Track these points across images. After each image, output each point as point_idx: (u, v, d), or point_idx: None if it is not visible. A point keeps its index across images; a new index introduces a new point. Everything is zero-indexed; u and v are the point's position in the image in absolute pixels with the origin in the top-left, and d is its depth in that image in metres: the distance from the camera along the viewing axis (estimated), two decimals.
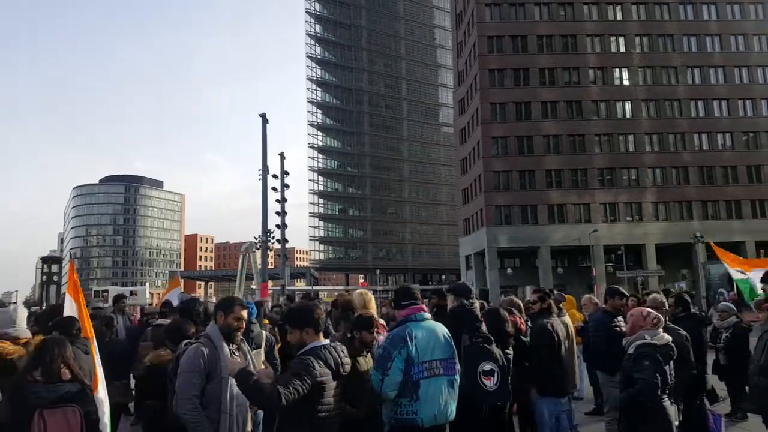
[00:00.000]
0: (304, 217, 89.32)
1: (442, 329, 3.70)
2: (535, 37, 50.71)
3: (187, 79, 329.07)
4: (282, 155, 32.54)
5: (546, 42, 50.80)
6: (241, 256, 68.82)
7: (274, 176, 30.89)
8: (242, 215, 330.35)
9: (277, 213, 32.46)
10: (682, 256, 48.46)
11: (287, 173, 32.78)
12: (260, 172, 28.32)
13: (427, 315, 3.71)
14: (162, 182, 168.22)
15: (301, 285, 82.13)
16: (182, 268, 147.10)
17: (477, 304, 4.77)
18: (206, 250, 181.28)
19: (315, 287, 77.75)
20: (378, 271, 63.87)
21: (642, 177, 49.45)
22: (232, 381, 3.23)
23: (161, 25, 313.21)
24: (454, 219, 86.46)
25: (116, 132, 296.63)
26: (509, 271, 49.16)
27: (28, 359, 3.16)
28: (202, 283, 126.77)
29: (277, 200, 31.34)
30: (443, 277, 79.81)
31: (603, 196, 48.83)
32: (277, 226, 32.47)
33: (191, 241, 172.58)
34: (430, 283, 76.78)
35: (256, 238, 31.34)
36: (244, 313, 3.63)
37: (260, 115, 27.22)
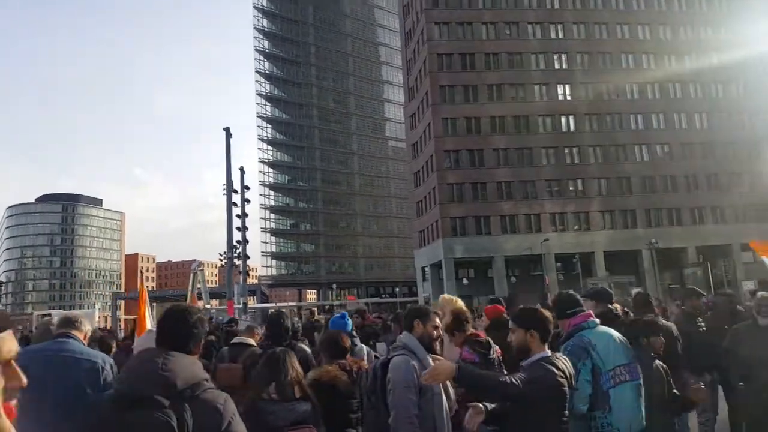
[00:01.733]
0: (251, 233, 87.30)
1: (616, 333, 3.55)
2: (482, 55, 52.20)
3: (119, 91, 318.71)
4: (242, 169, 32.23)
5: (493, 59, 52.40)
6: (191, 275, 66.94)
7: (234, 191, 30.46)
8: (180, 233, 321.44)
9: (238, 228, 32.10)
10: (627, 262, 50.62)
11: (248, 188, 32.59)
12: (223, 188, 28.10)
13: (598, 321, 3.57)
14: (101, 200, 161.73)
15: (251, 303, 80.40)
16: (123, 290, 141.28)
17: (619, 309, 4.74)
18: (147, 270, 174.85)
19: (266, 304, 76.30)
20: (335, 286, 63.48)
21: (588, 187, 51.49)
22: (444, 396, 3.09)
23: (89, 33, 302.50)
24: (404, 232, 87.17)
25: (44, 148, 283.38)
26: (465, 281, 49.91)
27: (260, 373, 2.96)
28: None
29: (238, 215, 30.99)
30: (396, 289, 79.96)
31: (552, 206, 50.51)
32: (238, 242, 32.03)
33: (132, 261, 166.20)
34: (382, 296, 76.82)
35: (221, 255, 30.59)
36: (439, 321, 3.50)
37: (224, 129, 27.07)
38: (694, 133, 52.76)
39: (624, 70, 53.28)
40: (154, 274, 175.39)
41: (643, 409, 3.41)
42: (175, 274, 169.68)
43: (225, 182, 28.60)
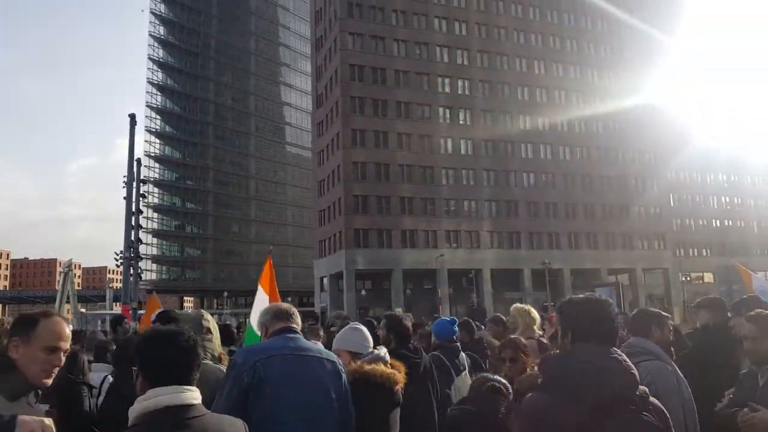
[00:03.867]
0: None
1: None
2: (393, 71, 53.28)
3: None
4: (139, 161, 29.94)
5: (403, 77, 53.67)
6: (62, 275, 60.57)
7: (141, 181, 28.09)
8: (33, 228, 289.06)
9: (134, 227, 29.71)
10: (511, 280, 53.98)
11: (144, 182, 30.45)
12: (124, 180, 25.61)
13: None
14: None
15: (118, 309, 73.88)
16: None
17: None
18: (0, 268, 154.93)
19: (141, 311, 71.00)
20: (226, 294, 60.29)
21: (480, 209, 54.23)
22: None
23: None
24: (299, 241, 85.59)
25: None
26: (363, 292, 50.13)
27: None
28: None
29: (133, 212, 28.62)
30: (288, 299, 77.93)
31: (448, 224, 52.51)
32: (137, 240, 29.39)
33: None
34: None
35: (117, 254, 27.89)
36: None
37: (129, 116, 24.70)
38: (576, 166, 57.78)
39: (519, 102, 57.14)
40: (8, 272, 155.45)
41: None
42: (32, 274, 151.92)
43: (125, 174, 26.18)
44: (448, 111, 54.86)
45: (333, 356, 2.82)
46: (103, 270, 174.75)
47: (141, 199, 30.03)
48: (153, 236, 73.65)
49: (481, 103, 55.91)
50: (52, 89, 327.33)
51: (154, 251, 73.90)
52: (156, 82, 75.31)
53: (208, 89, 79.79)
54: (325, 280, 54.13)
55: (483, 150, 55.28)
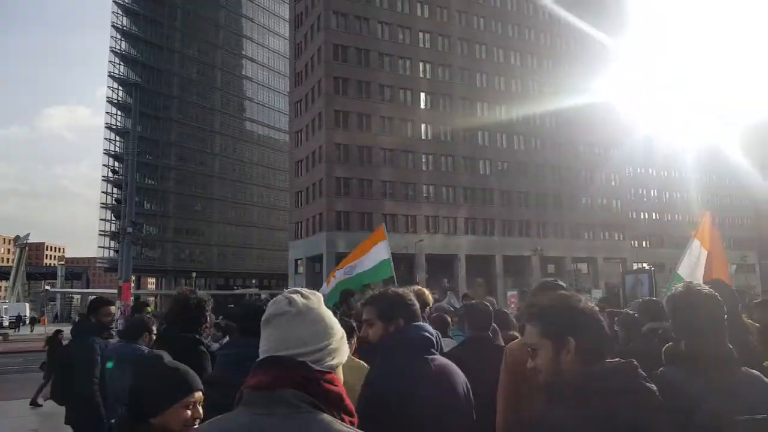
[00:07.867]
0: (89, 208, 75.29)
1: None
2: (377, 53, 52.78)
3: None
4: (134, 136, 28.75)
5: (387, 60, 53.27)
6: (18, 250, 57.08)
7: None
8: None
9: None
10: (483, 266, 55.12)
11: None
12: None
13: None
14: None
15: (67, 287, 70.04)
16: None
17: None
18: None
19: (101, 290, 68.21)
20: (194, 274, 58.17)
21: (457, 195, 54.90)
22: None
23: None
24: (265, 221, 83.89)
25: None
26: None
27: None
28: None
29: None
30: (254, 281, 76.24)
31: (427, 209, 52.95)
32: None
33: None
34: (235, 288, 73.01)
35: (117, 231, 26.51)
36: None
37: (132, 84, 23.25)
38: (546, 156, 59.19)
39: (496, 91, 57.99)
40: None
41: None
42: None
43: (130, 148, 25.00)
44: (429, 97, 54.99)
45: None
46: (40, 246, 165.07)
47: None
48: (111, 212, 70.08)
49: (460, 90, 56.31)
50: None
51: (113, 227, 70.37)
52: (119, 51, 71.08)
53: (174, 61, 76.06)
54: (300, 263, 53.42)
55: (460, 137, 55.76)
